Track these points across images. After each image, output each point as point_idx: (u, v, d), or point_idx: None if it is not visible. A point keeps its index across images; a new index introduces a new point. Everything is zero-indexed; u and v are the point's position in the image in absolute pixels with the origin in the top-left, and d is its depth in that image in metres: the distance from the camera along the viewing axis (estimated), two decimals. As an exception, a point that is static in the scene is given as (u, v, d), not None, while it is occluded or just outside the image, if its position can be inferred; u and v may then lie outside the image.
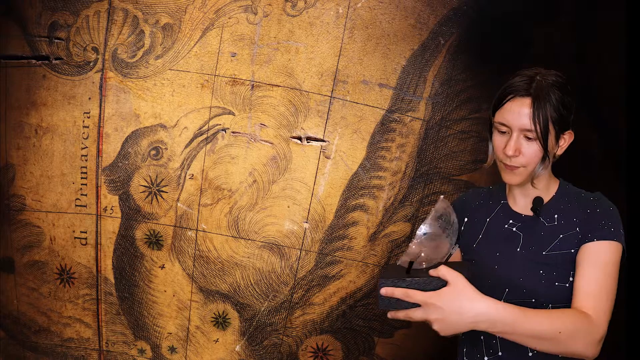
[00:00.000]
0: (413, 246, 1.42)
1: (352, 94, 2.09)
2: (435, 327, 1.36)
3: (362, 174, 2.11)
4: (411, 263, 1.44)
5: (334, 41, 2.08)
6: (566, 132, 1.57)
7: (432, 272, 1.38)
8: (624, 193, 2.36)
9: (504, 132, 1.55)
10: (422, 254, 1.44)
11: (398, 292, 1.36)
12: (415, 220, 2.14)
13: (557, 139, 1.55)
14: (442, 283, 1.36)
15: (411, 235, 2.15)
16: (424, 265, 1.45)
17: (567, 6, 2.26)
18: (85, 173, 2.15)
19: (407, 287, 1.37)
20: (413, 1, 2.09)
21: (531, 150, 1.52)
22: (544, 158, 1.53)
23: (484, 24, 2.13)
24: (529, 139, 1.52)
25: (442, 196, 1.49)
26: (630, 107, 2.43)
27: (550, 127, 1.51)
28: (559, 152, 1.58)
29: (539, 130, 1.49)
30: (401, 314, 1.38)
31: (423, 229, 1.43)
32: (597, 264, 1.50)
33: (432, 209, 1.46)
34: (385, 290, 1.36)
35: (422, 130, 2.12)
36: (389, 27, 2.09)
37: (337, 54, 2.08)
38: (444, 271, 1.37)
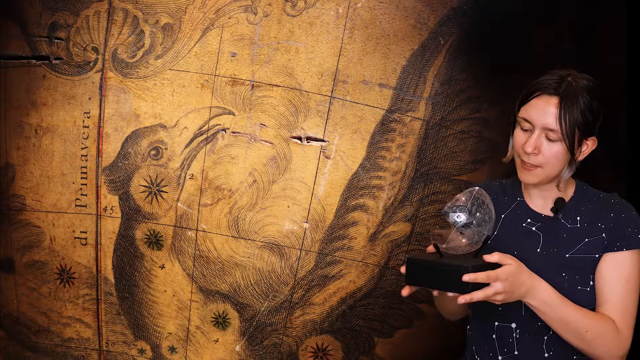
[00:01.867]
0: (457, 236, 1.47)
1: (352, 94, 2.09)
2: (499, 298, 1.41)
3: (362, 174, 2.11)
4: (437, 247, 1.47)
5: (334, 41, 2.08)
6: (589, 139, 1.53)
7: (486, 257, 1.42)
8: (624, 193, 2.35)
9: (526, 130, 1.53)
10: (464, 240, 1.48)
11: (481, 277, 1.39)
12: (415, 220, 2.14)
13: (580, 144, 1.51)
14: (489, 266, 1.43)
15: (411, 235, 2.15)
16: (461, 251, 1.49)
17: (567, 6, 2.26)
18: (85, 173, 2.15)
19: (439, 267, 1.43)
20: (413, 1, 2.09)
21: (551, 151, 1.50)
22: (570, 161, 1.51)
23: (484, 24, 2.13)
24: (550, 140, 1.49)
25: (477, 187, 1.50)
26: (630, 107, 2.43)
27: (576, 129, 1.48)
28: (580, 157, 1.55)
29: (563, 130, 1.47)
30: (480, 295, 1.39)
31: (462, 217, 1.45)
32: (624, 277, 1.51)
33: (464, 196, 1.47)
34: (468, 277, 1.38)
35: (422, 130, 2.12)
36: (389, 27, 2.09)
37: (337, 54, 2.08)
38: (498, 257, 1.43)
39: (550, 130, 1.48)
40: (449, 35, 2.11)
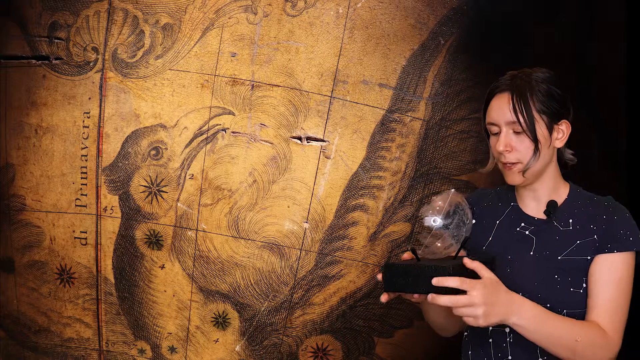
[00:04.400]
0: (434, 240, 1.45)
1: (352, 94, 2.09)
2: (479, 311, 1.36)
3: (362, 174, 2.11)
4: (414, 251, 1.46)
5: (334, 41, 2.08)
6: (562, 123, 1.56)
7: (467, 261, 1.40)
8: (624, 193, 2.36)
9: (496, 134, 1.56)
10: (439, 243, 1.47)
11: (452, 282, 1.35)
12: (415, 220, 2.14)
13: (551, 130, 1.54)
14: (464, 271, 1.39)
15: (411, 235, 2.15)
16: (439, 253, 1.48)
17: (567, 6, 2.26)
18: (85, 173, 2.15)
19: (416, 269, 1.39)
20: (413, 1, 2.09)
21: (523, 144, 1.52)
22: (535, 150, 1.52)
23: (484, 24, 2.13)
24: (517, 133, 1.52)
25: (452, 189, 1.50)
26: (630, 107, 2.43)
27: (537, 117, 1.51)
28: (559, 144, 1.57)
29: (522, 120, 1.50)
30: (445, 299, 1.35)
31: (439, 221, 1.45)
32: (614, 279, 1.51)
33: (440, 200, 1.47)
34: (437, 280, 1.35)
35: (422, 130, 2.12)
36: (389, 27, 2.09)
37: (337, 54, 2.08)
38: (477, 265, 1.40)
39: (513, 123, 1.52)
40: (449, 35, 2.11)
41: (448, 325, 1.71)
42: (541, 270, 1.54)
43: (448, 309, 1.66)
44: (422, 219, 1.48)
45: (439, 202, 1.48)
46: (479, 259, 1.44)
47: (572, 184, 1.64)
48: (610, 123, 2.40)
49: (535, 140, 1.51)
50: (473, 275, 1.40)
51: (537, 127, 1.51)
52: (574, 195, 1.62)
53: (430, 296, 1.36)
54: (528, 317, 1.42)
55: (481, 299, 1.35)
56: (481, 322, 1.37)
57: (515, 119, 1.51)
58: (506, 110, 1.52)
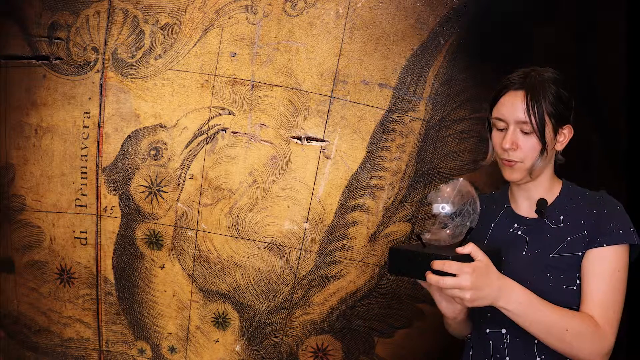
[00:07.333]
0: (440, 227, 1.45)
1: (352, 94, 2.09)
2: (467, 296, 1.38)
3: (362, 174, 2.11)
4: (420, 237, 1.47)
5: (334, 41, 2.08)
6: (565, 127, 1.56)
7: (459, 249, 1.41)
8: (624, 193, 2.35)
9: (502, 129, 1.56)
10: (448, 231, 1.47)
11: (437, 265, 1.38)
12: (415, 220, 2.14)
13: (556, 133, 1.54)
14: (463, 259, 1.40)
15: (411, 235, 2.15)
16: (445, 242, 1.48)
17: (567, 6, 2.26)
18: (85, 173, 2.15)
19: (419, 256, 1.42)
20: (413, 1, 2.09)
21: (528, 144, 1.52)
22: (542, 151, 1.52)
23: (484, 24, 2.13)
24: (525, 133, 1.52)
25: (461, 179, 1.50)
26: (630, 107, 2.43)
27: (547, 119, 1.51)
28: (559, 147, 1.58)
29: (534, 121, 1.50)
30: (432, 278, 1.39)
31: (447, 208, 1.45)
32: (605, 273, 1.50)
33: (449, 187, 1.47)
34: (437, 264, 1.38)
35: (422, 130, 2.12)
36: (389, 27, 2.09)
37: (337, 54, 2.08)
38: (471, 248, 1.41)
39: (523, 122, 1.51)
40: (449, 35, 2.11)
41: (462, 331, 1.73)
42: (534, 269, 1.54)
43: (459, 322, 1.67)
44: (430, 205, 1.48)
45: (447, 189, 1.48)
46: (483, 249, 1.44)
47: (564, 181, 1.64)
48: (611, 123, 2.40)
49: (543, 142, 1.51)
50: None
51: (546, 130, 1.52)
52: (566, 192, 1.62)
53: (436, 278, 1.39)
54: (516, 302, 1.42)
55: (468, 283, 1.37)
56: (467, 304, 1.40)
57: (527, 120, 1.50)
58: (519, 108, 1.51)
